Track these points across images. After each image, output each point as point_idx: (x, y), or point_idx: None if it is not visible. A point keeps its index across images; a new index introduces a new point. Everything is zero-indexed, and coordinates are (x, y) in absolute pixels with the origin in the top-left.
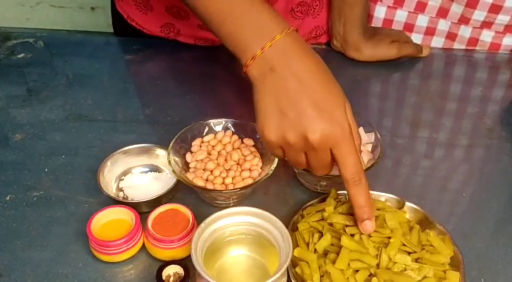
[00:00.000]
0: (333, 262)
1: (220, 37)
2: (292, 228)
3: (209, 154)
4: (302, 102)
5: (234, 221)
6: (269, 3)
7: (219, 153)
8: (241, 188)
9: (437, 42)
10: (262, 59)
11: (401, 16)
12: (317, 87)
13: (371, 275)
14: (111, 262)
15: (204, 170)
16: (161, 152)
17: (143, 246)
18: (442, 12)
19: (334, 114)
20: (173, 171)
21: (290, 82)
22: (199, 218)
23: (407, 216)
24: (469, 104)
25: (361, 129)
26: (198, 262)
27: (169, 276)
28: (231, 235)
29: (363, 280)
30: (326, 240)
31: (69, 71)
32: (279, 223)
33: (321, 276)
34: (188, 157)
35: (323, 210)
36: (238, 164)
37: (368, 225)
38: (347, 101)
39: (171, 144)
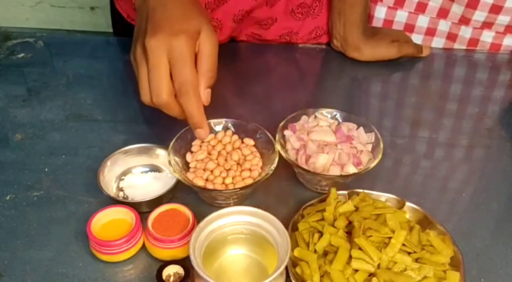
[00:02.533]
0: (332, 262)
1: None
2: (292, 228)
3: (209, 153)
4: (153, 17)
5: (233, 221)
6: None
7: (219, 152)
8: (241, 188)
9: (438, 42)
10: None
11: (401, 16)
12: (172, 8)
13: (371, 275)
14: (111, 262)
15: (204, 169)
16: (161, 152)
17: (143, 246)
18: (443, 13)
19: (174, 27)
20: (173, 171)
21: (151, 7)
22: (199, 218)
23: (407, 216)
24: (469, 105)
25: (361, 129)
26: (196, 262)
27: (169, 276)
28: (230, 235)
29: (363, 280)
30: (326, 240)
31: (69, 71)
32: (278, 223)
33: (321, 276)
34: (188, 156)
35: (323, 210)
36: (238, 163)
37: (201, 133)
38: (207, 33)
39: (171, 144)
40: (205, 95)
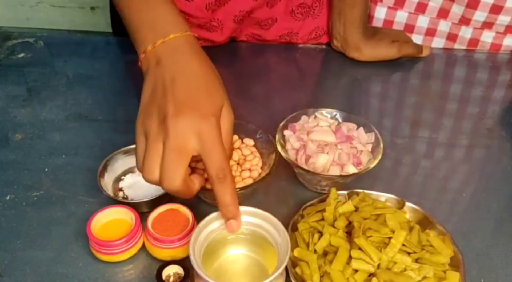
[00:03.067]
0: (332, 263)
1: (128, 31)
2: (292, 228)
3: None
4: (174, 90)
5: None
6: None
7: None
8: (241, 188)
9: (438, 43)
10: (152, 54)
11: (401, 17)
12: (195, 81)
13: (371, 275)
14: (111, 262)
15: (204, 170)
16: None
17: (143, 246)
18: (443, 13)
19: (202, 107)
20: None
21: (168, 76)
22: (199, 218)
23: (407, 216)
24: (470, 105)
25: (361, 129)
26: (196, 262)
27: (169, 276)
28: (230, 235)
29: (363, 280)
30: (326, 240)
31: (69, 71)
32: (278, 223)
33: (321, 276)
34: None
35: (323, 210)
36: (238, 164)
37: (234, 225)
38: (227, 109)
39: None
40: None
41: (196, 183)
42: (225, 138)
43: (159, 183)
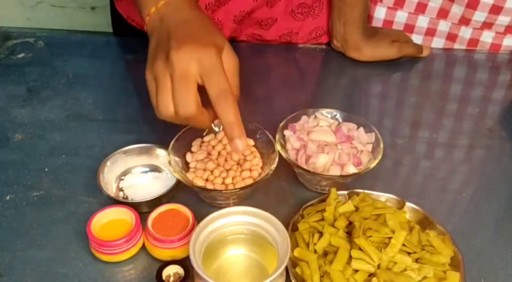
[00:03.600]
0: (332, 263)
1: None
2: (292, 228)
3: (209, 154)
4: (176, 32)
5: (233, 221)
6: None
7: (219, 153)
8: (241, 188)
9: (438, 43)
10: (156, 14)
11: (401, 17)
12: (195, 26)
13: (371, 275)
14: (111, 262)
15: (204, 170)
16: (161, 152)
17: (143, 246)
18: (443, 13)
19: (202, 40)
20: (173, 171)
21: (172, 26)
22: (199, 218)
23: (407, 216)
24: (470, 105)
25: (361, 129)
26: (196, 262)
27: (169, 276)
28: (230, 235)
29: (363, 280)
30: (326, 240)
31: (69, 71)
32: (278, 223)
33: (321, 277)
34: (188, 157)
35: (323, 210)
36: (238, 164)
37: (239, 144)
38: (229, 52)
39: (171, 144)
40: None
41: (209, 112)
42: (232, 77)
43: (175, 115)
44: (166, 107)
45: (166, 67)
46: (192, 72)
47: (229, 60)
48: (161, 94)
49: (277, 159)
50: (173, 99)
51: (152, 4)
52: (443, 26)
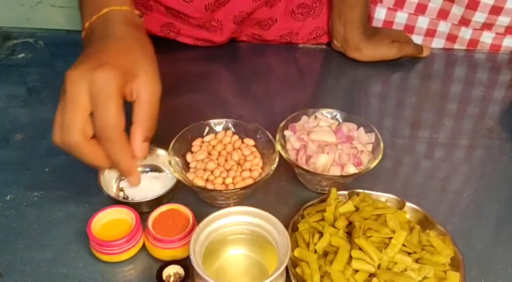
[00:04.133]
0: (332, 263)
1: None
2: (292, 228)
3: (209, 154)
4: (85, 51)
5: (233, 221)
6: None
7: (219, 153)
8: (242, 188)
9: (438, 43)
10: (89, 28)
11: (401, 17)
12: (109, 45)
13: (371, 275)
14: (111, 262)
15: (204, 170)
16: (161, 152)
17: (143, 246)
18: (443, 14)
19: (103, 60)
20: (173, 171)
21: (93, 40)
22: (199, 218)
23: (408, 216)
24: (470, 105)
25: (361, 129)
26: (196, 262)
27: (169, 276)
28: (230, 235)
29: (363, 281)
30: (326, 240)
31: None
32: (278, 223)
33: (321, 277)
34: (189, 157)
35: (324, 210)
36: (238, 164)
37: (132, 180)
38: (148, 80)
39: (171, 144)
40: (142, 149)
41: (100, 151)
42: (146, 108)
43: (62, 142)
44: (54, 133)
45: (62, 87)
46: (81, 96)
47: (148, 88)
48: (55, 119)
49: (277, 159)
50: (60, 124)
51: (88, 17)
52: (443, 27)
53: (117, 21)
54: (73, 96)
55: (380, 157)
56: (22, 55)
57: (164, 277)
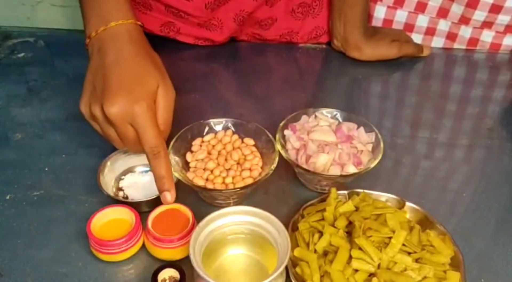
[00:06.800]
0: (332, 262)
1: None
2: (292, 228)
3: (209, 153)
4: (109, 79)
5: (233, 221)
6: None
7: (219, 152)
8: (241, 188)
9: (437, 42)
10: (95, 40)
11: (401, 16)
12: (129, 69)
13: (371, 275)
14: (111, 261)
15: (204, 169)
16: None
17: (143, 246)
18: (442, 12)
19: (134, 92)
20: (173, 171)
21: (107, 60)
22: (199, 217)
23: (408, 216)
24: (470, 105)
25: (361, 129)
26: (196, 262)
27: (164, 280)
28: (230, 235)
29: (363, 280)
30: (326, 240)
31: (69, 70)
32: (278, 223)
33: (321, 276)
34: (188, 156)
35: (324, 210)
36: (238, 163)
37: (168, 196)
38: (164, 88)
39: (171, 143)
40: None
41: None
42: (163, 115)
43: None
44: (119, 145)
45: (104, 118)
46: (130, 130)
47: (166, 95)
48: (111, 139)
49: (277, 159)
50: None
51: (93, 27)
52: (443, 25)
53: (126, 38)
54: (124, 132)
55: (380, 156)
56: (22, 54)
57: (159, 281)
